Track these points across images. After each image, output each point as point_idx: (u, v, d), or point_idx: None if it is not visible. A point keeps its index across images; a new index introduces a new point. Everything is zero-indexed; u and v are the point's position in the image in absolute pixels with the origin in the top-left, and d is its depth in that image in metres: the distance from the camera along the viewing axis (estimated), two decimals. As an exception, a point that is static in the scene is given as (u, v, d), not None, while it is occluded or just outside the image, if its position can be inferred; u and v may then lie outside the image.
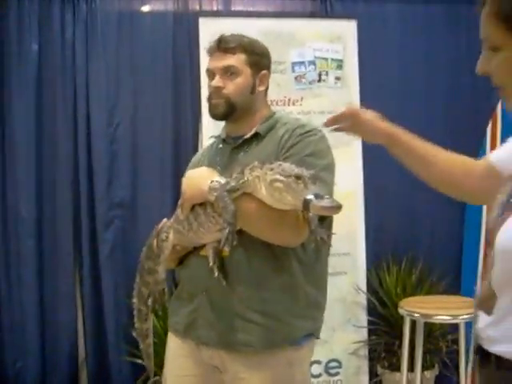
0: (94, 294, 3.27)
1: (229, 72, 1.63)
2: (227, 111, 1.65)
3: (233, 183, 1.42)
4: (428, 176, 1.41)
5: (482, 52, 1.04)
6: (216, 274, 1.53)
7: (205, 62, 3.06)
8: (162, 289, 1.66)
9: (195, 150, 3.28)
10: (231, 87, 1.63)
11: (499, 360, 0.98)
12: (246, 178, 1.42)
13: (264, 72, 1.70)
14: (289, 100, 3.18)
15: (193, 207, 1.53)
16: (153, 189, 3.34)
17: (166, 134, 3.36)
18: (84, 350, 3.30)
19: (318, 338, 1.65)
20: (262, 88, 1.69)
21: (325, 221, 1.52)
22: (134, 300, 1.79)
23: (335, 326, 3.11)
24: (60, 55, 3.25)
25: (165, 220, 1.68)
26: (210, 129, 3.12)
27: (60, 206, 3.27)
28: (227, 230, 1.38)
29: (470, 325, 2.71)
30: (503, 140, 1.30)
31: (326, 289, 1.67)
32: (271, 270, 1.54)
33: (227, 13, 3.40)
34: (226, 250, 1.52)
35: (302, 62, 3.22)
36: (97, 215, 3.27)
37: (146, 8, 3.39)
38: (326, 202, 1.25)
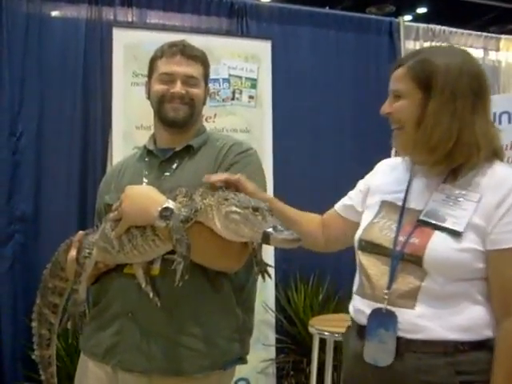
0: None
1: (189, 82, 1.58)
2: (188, 118, 1.58)
3: (185, 212, 1.33)
4: None
5: (388, 99, 1.41)
6: (151, 294, 1.44)
7: (118, 72, 3.05)
8: (83, 310, 1.52)
9: (104, 162, 3.18)
10: (194, 95, 1.58)
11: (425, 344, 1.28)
12: (198, 207, 1.34)
13: (208, 86, 1.68)
14: (202, 116, 3.15)
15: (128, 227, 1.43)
16: (57, 202, 3.17)
17: (73, 146, 3.22)
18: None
19: (245, 363, 1.59)
20: (206, 102, 1.67)
21: None
22: (34, 324, 1.64)
23: (244, 345, 3.09)
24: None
25: (81, 233, 1.56)
26: (120, 141, 3.05)
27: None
28: (182, 265, 1.29)
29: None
30: None
31: (254, 311, 1.63)
32: (204, 291, 1.47)
33: (142, 25, 3.34)
34: (157, 268, 1.46)
35: (217, 79, 3.22)
36: (-5, 229, 3.07)
37: (56, 13, 3.26)
38: (286, 235, 1.21)
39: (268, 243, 1.24)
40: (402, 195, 1.41)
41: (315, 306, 3.37)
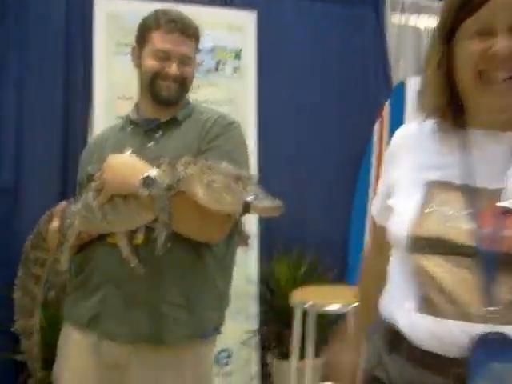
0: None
1: (184, 61, 1.58)
2: (179, 96, 1.60)
3: (168, 181, 1.34)
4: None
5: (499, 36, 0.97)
6: (134, 263, 1.45)
7: (99, 40, 2.99)
8: (65, 280, 1.53)
9: (85, 133, 3.14)
10: (186, 73, 1.59)
11: None
12: (181, 176, 1.34)
13: (197, 59, 1.67)
14: (185, 88, 3.12)
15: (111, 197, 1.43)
16: (38, 174, 3.13)
17: (54, 116, 3.16)
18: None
19: (219, 333, 1.61)
20: (194, 76, 1.67)
21: None
22: (17, 295, 1.65)
23: (226, 316, 3.10)
24: None
25: (64, 203, 1.55)
26: (102, 112, 3.02)
27: None
28: (164, 233, 1.31)
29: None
30: (391, 137, 1.23)
31: (231, 282, 1.65)
32: (186, 260, 1.48)
33: (125, -7, 3.26)
34: (140, 237, 1.46)
35: (200, 50, 3.17)
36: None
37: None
38: (266, 203, 1.22)
39: (248, 212, 1.25)
40: (454, 170, 1.02)
41: (298, 278, 3.39)
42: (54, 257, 1.54)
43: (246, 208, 1.24)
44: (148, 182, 1.34)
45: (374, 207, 1.25)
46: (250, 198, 1.23)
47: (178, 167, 1.36)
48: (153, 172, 1.36)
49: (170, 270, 1.47)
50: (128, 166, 1.42)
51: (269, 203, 1.22)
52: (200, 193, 1.33)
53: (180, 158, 1.38)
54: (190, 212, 1.38)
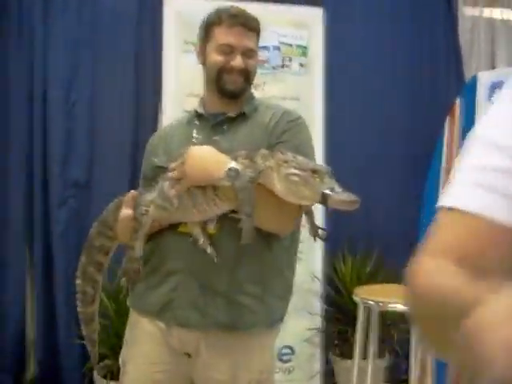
0: (45, 275, 3.17)
1: (248, 54, 1.61)
2: (244, 89, 1.63)
3: (250, 173, 1.38)
4: None
5: None
6: (209, 250, 1.48)
7: (168, 39, 3.06)
8: (138, 267, 1.57)
9: (154, 130, 3.21)
10: (250, 66, 1.62)
11: None
12: (261, 168, 1.38)
13: (259, 53, 1.70)
14: (251, 84, 3.14)
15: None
16: (109, 169, 3.25)
17: (124, 113, 3.27)
18: (33, 332, 3.21)
19: (282, 321, 1.64)
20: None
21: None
22: (78, 281, 1.70)
23: (289, 313, 3.08)
24: (16, 27, 3.11)
25: (132, 193, 1.59)
26: (171, 109, 3.08)
27: (12, 184, 3.15)
28: (247, 225, 1.36)
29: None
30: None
31: (295, 272, 1.67)
32: (258, 250, 1.51)
33: (192, -8, 3.32)
34: (212, 227, 1.50)
35: (266, 47, 3.18)
36: (50, 194, 3.17)
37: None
38: (344, 196, 1.26)
39: (326, 204, 1.28)
40: None
41: (362, 277, 3.35)
42: (128, 243, 1.57)
43: (324, 200, 1.27)
44: (231, 173, 1.37)
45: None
46: (327, 191, 1.26)
47: (257, 160, 1.39)
48: (234, 164, 1.39)
49: (243, 260, 1.50)
50: (210, 157, 1.45)
51: (346, 196, 1.26)
52: (278, 186, 1.36)
53: (256, 151, 1.42)
54: (268, 204, 1.41)
